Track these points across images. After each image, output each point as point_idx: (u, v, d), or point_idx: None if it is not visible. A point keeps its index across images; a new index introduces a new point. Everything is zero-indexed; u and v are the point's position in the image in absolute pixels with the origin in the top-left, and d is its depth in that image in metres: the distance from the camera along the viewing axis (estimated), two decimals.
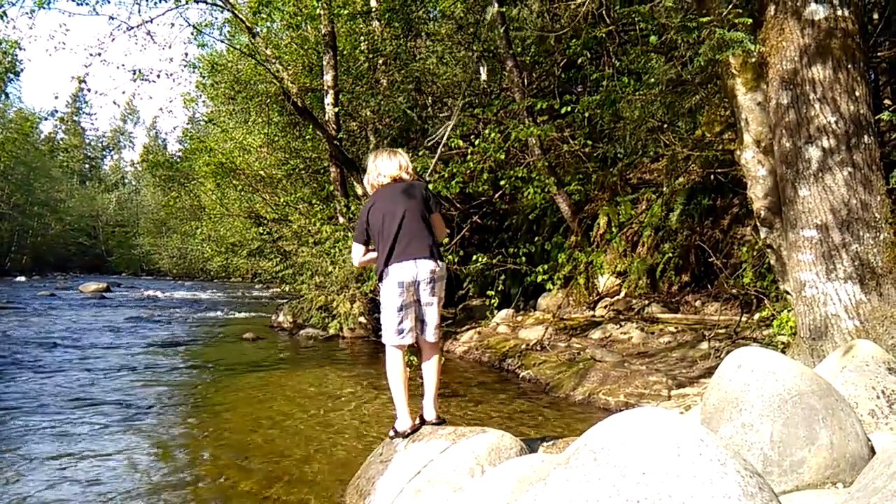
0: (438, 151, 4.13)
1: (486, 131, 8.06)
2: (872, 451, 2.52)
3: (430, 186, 7.96)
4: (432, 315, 3.53)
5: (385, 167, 3.62)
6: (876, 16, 6.28)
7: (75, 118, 60.96)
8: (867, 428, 2.76)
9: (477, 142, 7.94)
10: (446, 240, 7.76)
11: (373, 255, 3.64)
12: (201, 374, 7.64)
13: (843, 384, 2.99)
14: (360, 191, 11.69)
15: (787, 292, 4.36)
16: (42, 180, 46.40)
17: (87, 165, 65.65)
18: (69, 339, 10.22)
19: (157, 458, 4.26)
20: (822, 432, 2.43)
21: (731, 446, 2.02)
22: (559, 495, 1.94)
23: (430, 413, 3.58)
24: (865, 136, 3.90)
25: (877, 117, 4.09)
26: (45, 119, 41.40)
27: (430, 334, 3.57)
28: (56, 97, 55.33)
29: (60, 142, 57.32)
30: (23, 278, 34.57)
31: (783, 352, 4.06)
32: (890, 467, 1.82)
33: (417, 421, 3.57)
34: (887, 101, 6.26)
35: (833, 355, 3.31)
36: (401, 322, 3.45)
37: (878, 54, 6.52)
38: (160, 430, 4.98)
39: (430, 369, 3.62)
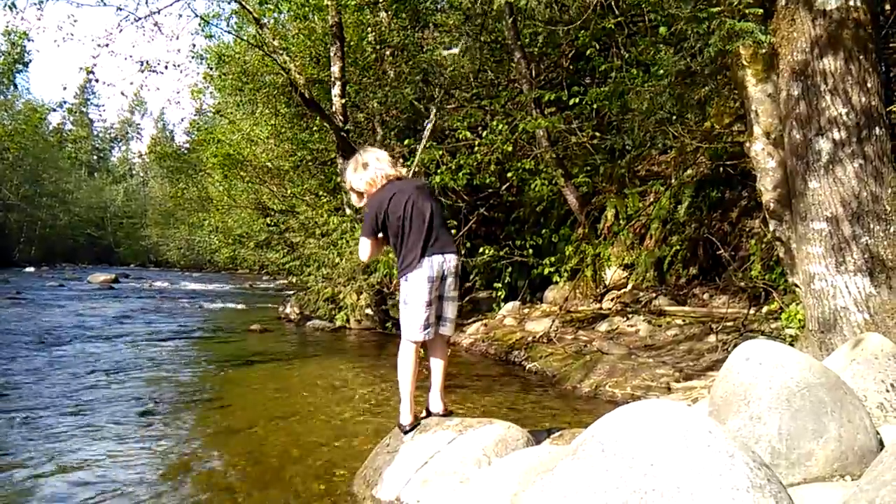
0: (423, 143, 4.10)
1: (494, 123, 8.04)
2: (881, 445, 2.51)
3: (438, 178, 7.98)
4: (453, 309, 3.53)
5: (386, 163, 3.59)
6: (888, 6, 6.21)
7: (83, 109, 61.10)
8: (876, 421, 2.75)
9: (484, 133, 7.93)
10: (453, 230, 7.76)
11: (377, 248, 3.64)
12: (208, 365, 7.68)
13: (852, 377, 2.97)
14: None
15: (796, 285, 4.34)
16: (50, 171, 46.63)
17: (95, 157, 65.84)
18: (77, 330, 10.28)
19: (163, 449, 4.28)
20: (830, 425, 2.43)
21: (739, 438, 2.02)
22: (566, 486, 1.94)
23: (436, 405, 3.60)
24: (877, 128, 3.86)
25: (888, 109, 4.06)
26: (54, 110, 41.58)
27: (449, 328, 3.58)
28: (64, 88, 55.51)
29: (69, 133, 57.48)
30: (32, 269, 34.77)
31: (791, 345, 4.05)
32: None
33: (423, 413, 3.59)
34: None
35: (842, 348, 3.29)
36: (427, 318, 3.41)
37: (890, 45, 6.45)
38: (166, 421, 5.01)
39: (440, 362, 3.62)
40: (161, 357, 7.92)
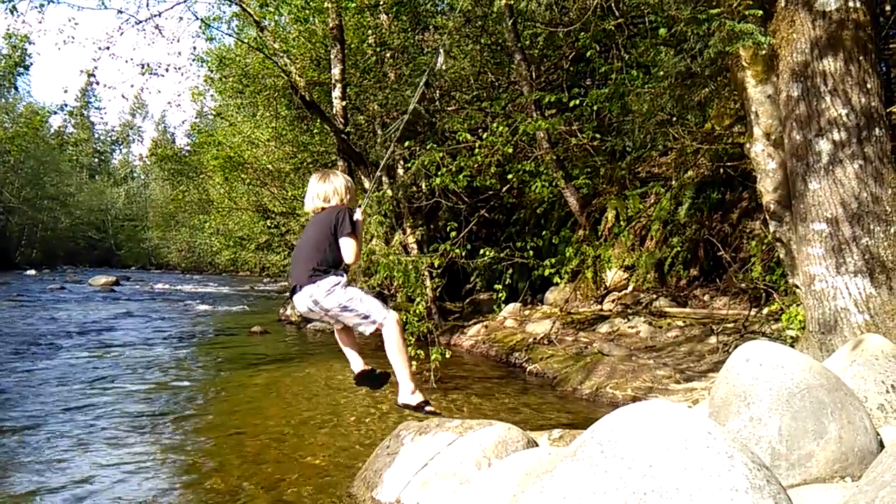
0: (388, 154, 4.09)
1: (494, 125, 8.03)
2: (881, 446, 2.51)
3: (437, 180, 7.97)
4: (350, 318, 3.29)
5: (315, 191, 3.41)
6: (888, 7, 6.22)
7: (84, 112, 61.12)
8: (876, 422, 2.74)
9: (485, 135, 7.92)
10: (453, 232, 7.74)
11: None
12: (209, 368, 7.68)
13: (853, 378, 2.97)
14: (367, 184, 11.69)
15: (797, 286, 4.34)
16: (51, 174, 46.66)
17: (96, 159, 65.85)
18: (78, 333, 10.29)
19: (163, 453, 4.28)
20: (830, 426, 2.42)
21: (738, 440, 2.02)
22: (565, 488, 1.93)
23: (404, 397, 3.32)
24: (877, 129, 3.86)
25: (888, 110, 4.06)
26: (55, 113, 41.69)
27: (364, 329, 3.33)
28: (65, 91, 55.57)
29: (70, 136, 57.47)
30: (33, 272, 34.80)
31: (792, 346, 4.04)
32: None
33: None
34: None
35: (842, 349, 3.29)
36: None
37: (890, 46, 6.46)
38: (167, 424, 5.01)
39: (389, 355, 3.35)
40: (161, 360, 7.91)
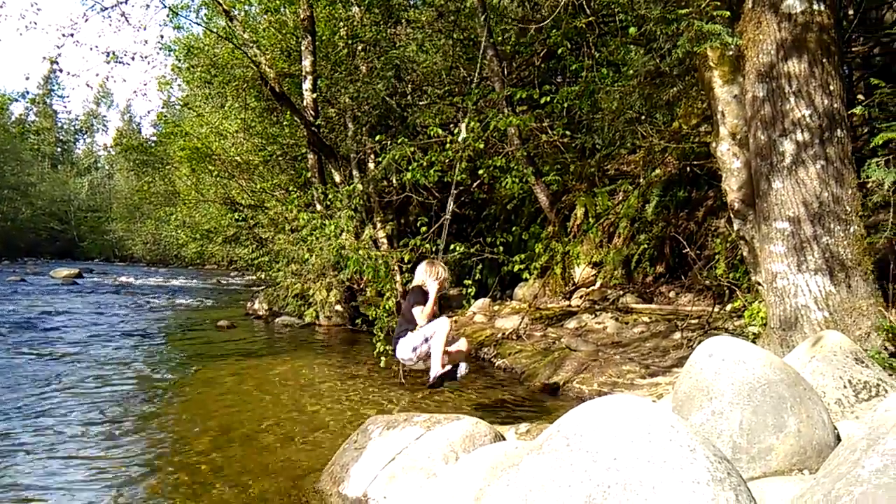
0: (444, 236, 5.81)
1: (466, 120, 8.03)
2: (838, 439, 2.57)
3: (408, 175, 7.99)
4: (426, 350, 4.74)
5: (417, 275, 5.08)
6: (851, 11, 6.37)
7: (47, 100, 59.65)
8: (834, 416, 2.81)
9: (456, 130, 7.92)
10: (424, 227, 7.75)
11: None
12: (174, 362, 7.56)
13: (812, 374, 3.04)
14: (337, 178, 11.62)
15: (759, 283, 4.42)
16: (12, 164, 45.48)
17: (59, 149, 64.28)
18: (38, 327, 10.05)
19: (125, 451, 4.21)
20: (790, 420, 2.48)
21: (700, 433, 2.05)
22: (531, 481, 1.95)
23: (431, 375, 4.66)
24: (839, 131, 3.95)
25: (850, 112, 4.15)
26: (16, 101, 40.59)
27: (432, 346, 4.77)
28: (27, 78, 54.18)
29: (31, 124, 56.10)
30: None
31: (754, 342, 4.12)
32: (854, 454, 1.86)
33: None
34: (860, 97, 6.35)
35: (802, 345, 3.36)
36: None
37: (853, 49, 6.61)
38: (129, 421, 4.92)
39: (431, 343, 4.76)
40: (125, 355, 7.77)
